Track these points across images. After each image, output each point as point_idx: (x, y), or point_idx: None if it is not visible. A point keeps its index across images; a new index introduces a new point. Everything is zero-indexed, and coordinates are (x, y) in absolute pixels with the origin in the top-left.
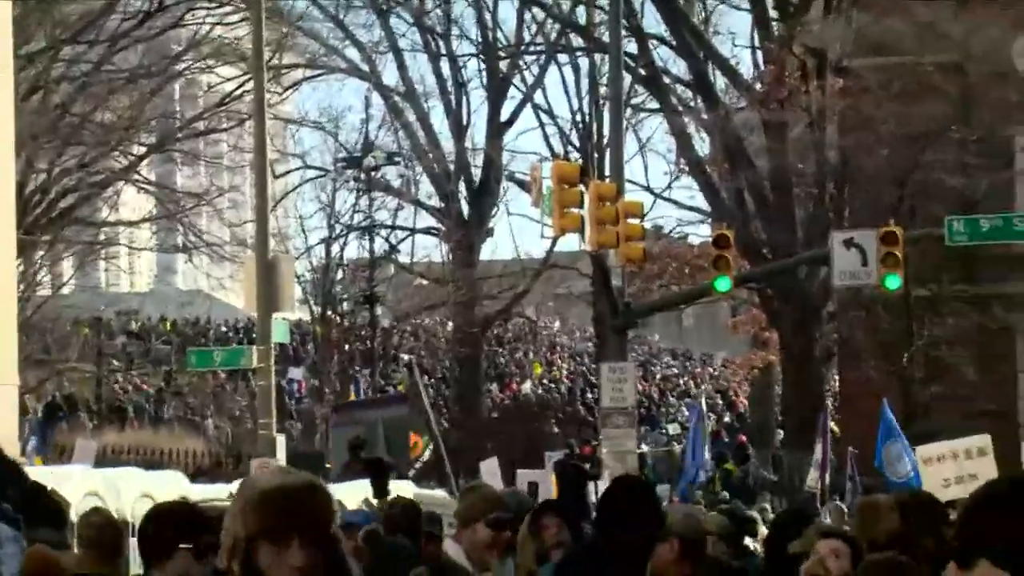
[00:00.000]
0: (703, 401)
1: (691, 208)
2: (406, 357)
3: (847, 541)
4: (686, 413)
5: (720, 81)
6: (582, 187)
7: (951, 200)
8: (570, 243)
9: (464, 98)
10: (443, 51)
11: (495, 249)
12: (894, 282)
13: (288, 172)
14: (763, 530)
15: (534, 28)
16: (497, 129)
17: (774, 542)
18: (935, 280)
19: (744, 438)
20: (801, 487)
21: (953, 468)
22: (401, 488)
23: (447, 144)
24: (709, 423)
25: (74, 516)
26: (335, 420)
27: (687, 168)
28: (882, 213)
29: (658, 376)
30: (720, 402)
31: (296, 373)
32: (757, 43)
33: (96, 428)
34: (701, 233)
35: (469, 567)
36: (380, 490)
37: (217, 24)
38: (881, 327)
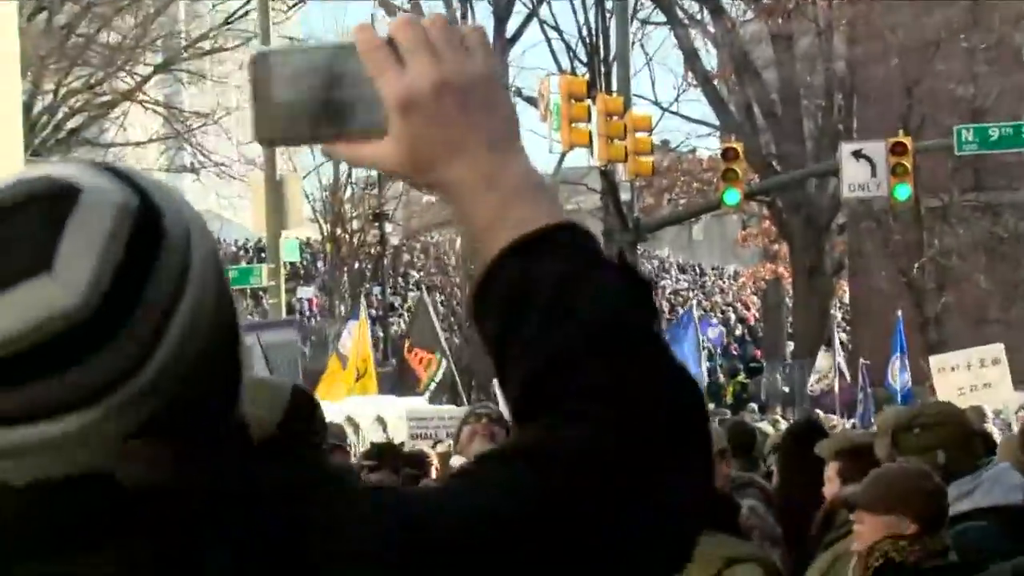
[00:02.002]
0: (693, 310)
1: (699, 122)
2: (416, 274)
3: (860, 457)
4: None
5: None
6: (590, 102)
7: (960, 109)
8: (579, 158)
9: (470, 13)
10: None
11: None
12: (904, 192)
13: None
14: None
15: None
16: (503, 45)
17: (790, 452)
18: (945, 190)
19: (759, 352)
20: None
21: (967, 377)
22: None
23: None
24: (707, 336)
25: None
26: None
27: (695, 81)
28: (891, 123)
29: (668, 290)
30: (732, 315)
31: (306, 292)
32: None
33: None
34: (710, 146)
35: None
36: None
37: None
38: (891, 238)
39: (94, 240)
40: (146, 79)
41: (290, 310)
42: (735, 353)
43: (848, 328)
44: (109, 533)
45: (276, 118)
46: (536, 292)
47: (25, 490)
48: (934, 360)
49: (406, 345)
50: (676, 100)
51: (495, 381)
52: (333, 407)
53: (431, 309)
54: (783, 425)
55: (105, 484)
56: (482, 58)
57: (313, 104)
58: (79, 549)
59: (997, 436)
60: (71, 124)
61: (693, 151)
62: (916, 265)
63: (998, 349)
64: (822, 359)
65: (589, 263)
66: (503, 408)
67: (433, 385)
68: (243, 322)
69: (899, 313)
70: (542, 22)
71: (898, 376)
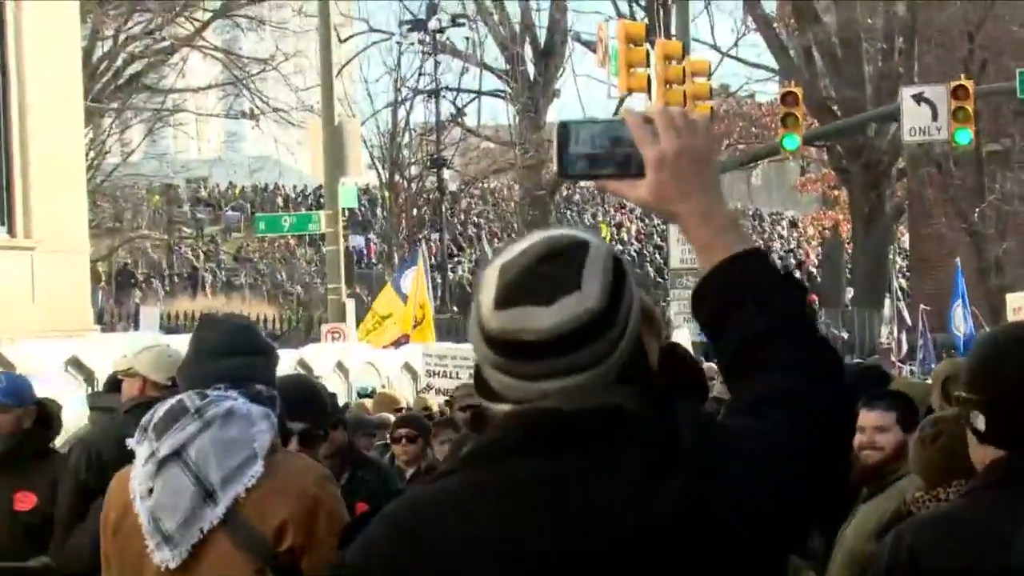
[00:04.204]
0: None
1: (758, 66)
2: (475, 220)
3: (893, 406)
4: None
5: None
6: (648, 46)
7: (1023, 52)
8: (637, 103)
9: None
10: None
11: (561, 111)
12: (965, 137)
13: (353, 36)
14: None
15: None
16: None
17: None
18: (1007, 134)
19: (814, 296)
20: (870, 343)
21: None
22: None
23: (512, 5)
24: None
25: None
26: None
27: (754, 25)
28: (952, 67)
29: None
30: (791, 261)
31: (357, 240)
32: None
33: (168, 295)
34: (769, 91)
35: None
36: None
37: None
38: (952, 183)
39: (598, 271)
40: (205, 24)
41: (348, 256)
42: None
43: (908, 274)
44: (628, 437)
45: (573, 162)
46: (743, 293)
47: (575, 414)
48: (1011, 298)
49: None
50: (735, 45)
51: None
52: (390, 354)
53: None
54: None
55: (621, 412)
56: (704, 136)
57: (600, 154)
58: (610, 447)
59: None
60: (130, 70)
61: (752, 96)
62: (977, 210)
63: None
64: (888, 307)
65: (773, 274)
66: None
67: None
68: None
69: (957, 261)
70: None
71: (962, 324)
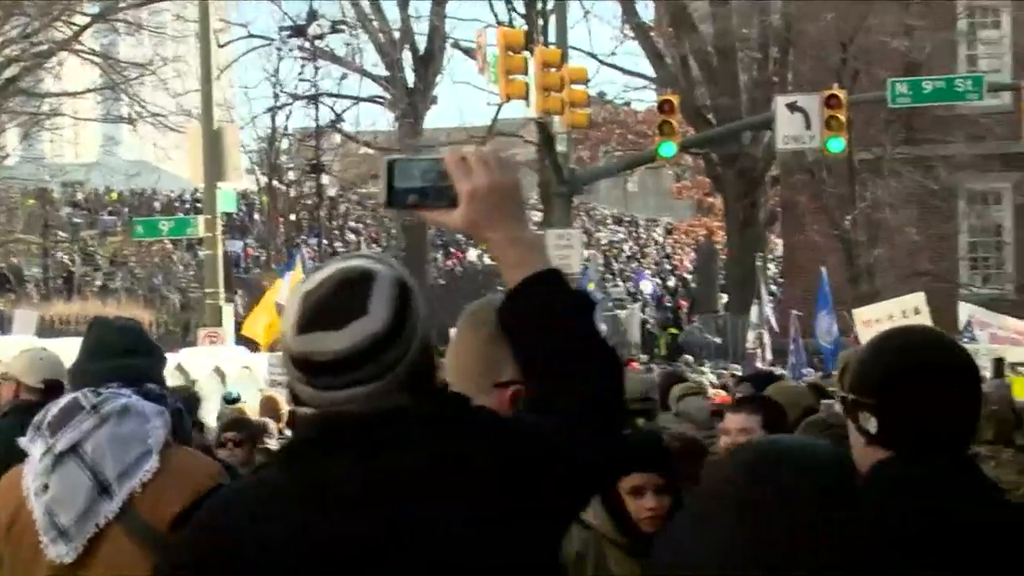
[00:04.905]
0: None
1: (635, 74)
2: (354, 226)
3: (758, 410)
4: (639, 283)
5: None
6: (527, 54)
7: (894, 63)
8: (515, 110)
9: None
10: None
11: (440, 117)
12: (837, 145)
13: (232, 41)
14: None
15: None
16: None
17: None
18: (878, 143)
19: (682, 303)
20: (743, 349)
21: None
22: None
23: (391, 12)
24: (641, 288)
25: None
26: None
27: (632, 34)
28: (826, 77)
29: (603, 242)
30: (666, 266)
31: (234, 245)
32: None
33: (43, 299)
34: (646, 99)
35: None
36: None
37: None
38: (824, 190)
39: (384, 297)
40: (83, 29)
41: (226, 261)
42: (668, 305)
43: (781, 281)
44: (417, 434)
45: (399, 194)
46: (538, 310)
47: (366, 415)
48: (857, 313)
49: None
50: (613, 53)
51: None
52: (266, 359)
53: None
54: (711, 375)
55: (404, 412)
56: (512, 173)
57: (422, 188)
58: (400, 444)
59: None
60: (7, 74)
61: (629, 104)
62: (848, 218)
63: (919, 298)
64: (755, 313)
65: (565, 291)
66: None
67: None
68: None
69: (823, 269)
70: None
71: (826, 333)
